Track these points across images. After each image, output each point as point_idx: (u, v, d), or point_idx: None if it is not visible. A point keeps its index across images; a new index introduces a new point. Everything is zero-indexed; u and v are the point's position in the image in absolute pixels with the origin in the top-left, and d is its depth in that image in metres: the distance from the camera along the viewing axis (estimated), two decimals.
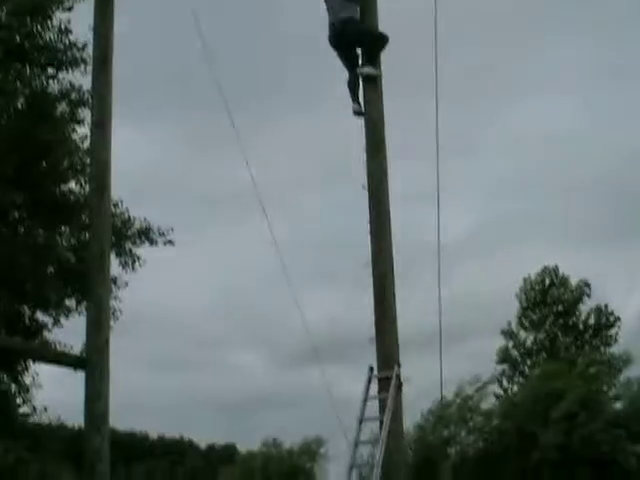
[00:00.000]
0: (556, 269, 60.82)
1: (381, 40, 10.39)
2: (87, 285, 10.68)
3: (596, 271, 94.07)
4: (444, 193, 9.87)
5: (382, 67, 10.33)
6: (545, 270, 61.00)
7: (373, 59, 10.32)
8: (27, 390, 20.02)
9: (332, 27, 10.56)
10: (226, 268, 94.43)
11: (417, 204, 24.82)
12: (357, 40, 10.53)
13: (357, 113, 10.37)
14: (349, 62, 10.60)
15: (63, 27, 17.88)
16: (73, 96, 17.88)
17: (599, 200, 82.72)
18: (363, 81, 10.30)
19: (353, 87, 10.51)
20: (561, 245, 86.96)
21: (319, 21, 10.71)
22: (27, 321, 18.90)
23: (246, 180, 10.75)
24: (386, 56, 10.32)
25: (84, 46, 17.38)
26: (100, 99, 11.03)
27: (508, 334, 60.44)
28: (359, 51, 10.49)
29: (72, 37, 17.84)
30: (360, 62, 10.40)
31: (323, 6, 10.67)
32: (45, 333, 19.17)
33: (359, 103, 10.40)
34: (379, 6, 10.55)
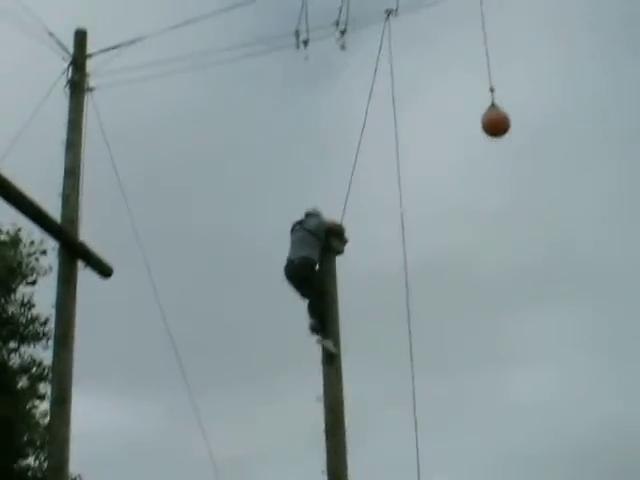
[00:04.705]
0: None
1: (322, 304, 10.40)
2: None
3: None
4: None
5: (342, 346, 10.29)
6: None
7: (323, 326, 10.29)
8: None
9: (290, 263, 10.58)
10: None
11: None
12: (310, 286, 10.51)
13: (313, 330, 10.38)
14: (302, 294, 10.59)
15: (26, 301, 18.10)
16: (34, 370, 17.85)
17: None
18: (323, 359, 10.20)
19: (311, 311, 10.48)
20: None
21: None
22: None
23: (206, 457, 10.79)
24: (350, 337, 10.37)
25: (46, 321, 17.65)
26: (60, 376, 10.99)
27: None
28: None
29: (35, 311, 18.05)
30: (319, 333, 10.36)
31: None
32: None
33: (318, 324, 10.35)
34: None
